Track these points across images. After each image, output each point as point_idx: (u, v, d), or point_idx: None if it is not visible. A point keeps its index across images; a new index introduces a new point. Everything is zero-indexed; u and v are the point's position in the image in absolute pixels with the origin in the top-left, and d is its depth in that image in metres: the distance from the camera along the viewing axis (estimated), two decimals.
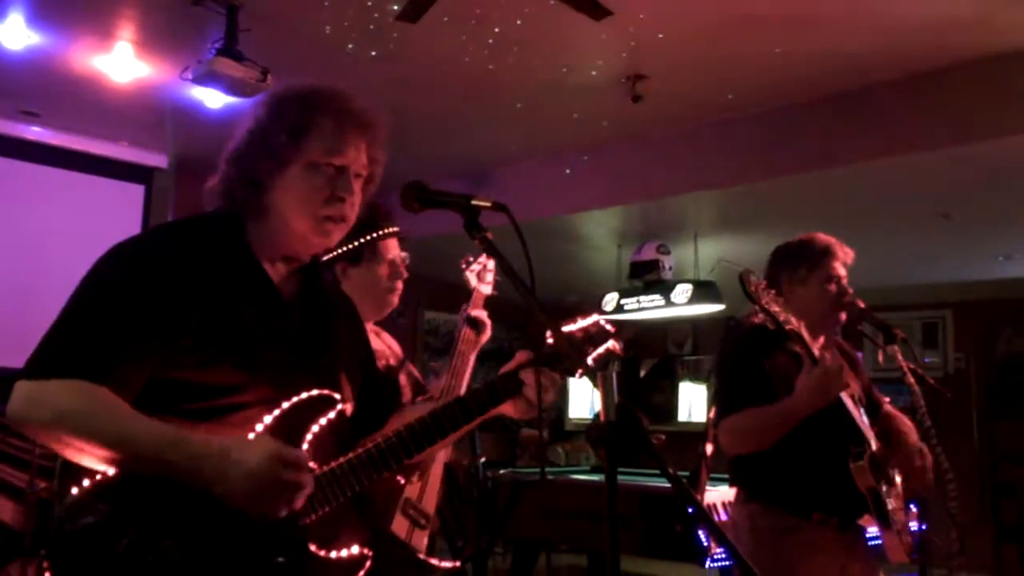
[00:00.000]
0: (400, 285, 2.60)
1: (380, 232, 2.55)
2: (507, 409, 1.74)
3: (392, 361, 2.61)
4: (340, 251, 2.50)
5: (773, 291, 2.56)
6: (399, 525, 2.39)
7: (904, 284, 7.89)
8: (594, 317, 1.78)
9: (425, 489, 2.50)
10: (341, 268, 2.55)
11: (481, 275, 2.82)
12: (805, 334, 2.56)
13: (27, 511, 5.25)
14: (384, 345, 2.66)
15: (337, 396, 1.64)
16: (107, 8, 4.47)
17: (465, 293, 2.81)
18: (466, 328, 2.73)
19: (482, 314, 2.76)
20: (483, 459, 3.31)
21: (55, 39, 4.75)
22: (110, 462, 1.44)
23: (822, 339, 2.80)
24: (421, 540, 2.44)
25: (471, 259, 2.83)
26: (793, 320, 2.55)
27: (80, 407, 1.43)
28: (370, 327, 2.65)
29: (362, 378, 1.83)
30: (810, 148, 5.35)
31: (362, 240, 2.53)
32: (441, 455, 2.52)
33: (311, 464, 1.55)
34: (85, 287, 1.54)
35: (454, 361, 2.69)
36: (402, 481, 2.42)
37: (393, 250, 2.60)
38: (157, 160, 6.75)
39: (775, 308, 2.52)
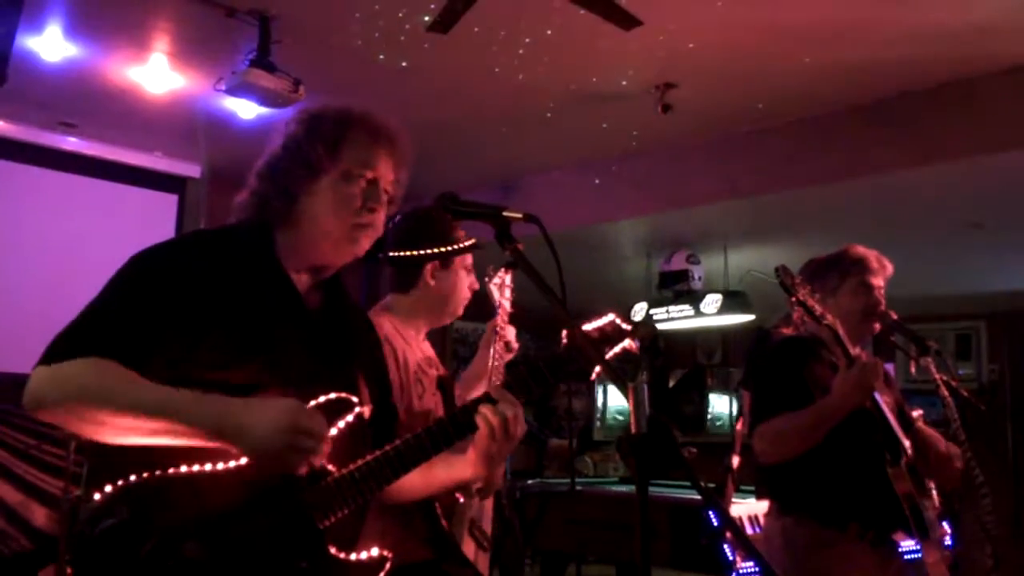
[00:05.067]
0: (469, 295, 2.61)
1: (470, 243, 2.54)
2: (466, 472, 1.76)
3: (442, 371, 2.60)
4: (435, 250, 2.48)
5: (810, 286, 2.55)
6: (467, 547, 2.38)
7: (937, 294, 7.79)
8: (609, 316, 1.76)
9: (483, 510, 2.48)
10: (430, 270, 2.50)
11: (500, 289, 2.81)
12: (841, 331, 2.55)
13: (61, 517, 5.32)
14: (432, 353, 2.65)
15: (355, 399, 1.65)
16: (142, 20, 4.53)
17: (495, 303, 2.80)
18: (499, 346, 2.71)
19: (510, 334, 2.74)
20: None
21: (91, 51, 4.82)
22: (133, 430, 1.45)
23: (856, 349, 2.77)
24: (484, 562, 2.42)
25: (491, 272, 2.81)
26: (829, 316, 2.53)
27: (97, 379, 1.46)
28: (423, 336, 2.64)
29: (377, 394, 1.84)
30: (841, 158, 5.30)
31: (460, 246, 2.51)
32: (501, 474, 2.49)
33: (330, 467, 1.57)
34: (111, 282, 1.58)
35: (491, 376, 2.67)
36: (461, 499, 2.39)
37: (468, 260, 2.60)
38: (190, 170, 6.82)
39: (811, 302, 2.50)
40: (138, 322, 1.51)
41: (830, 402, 2.57)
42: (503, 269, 2.79)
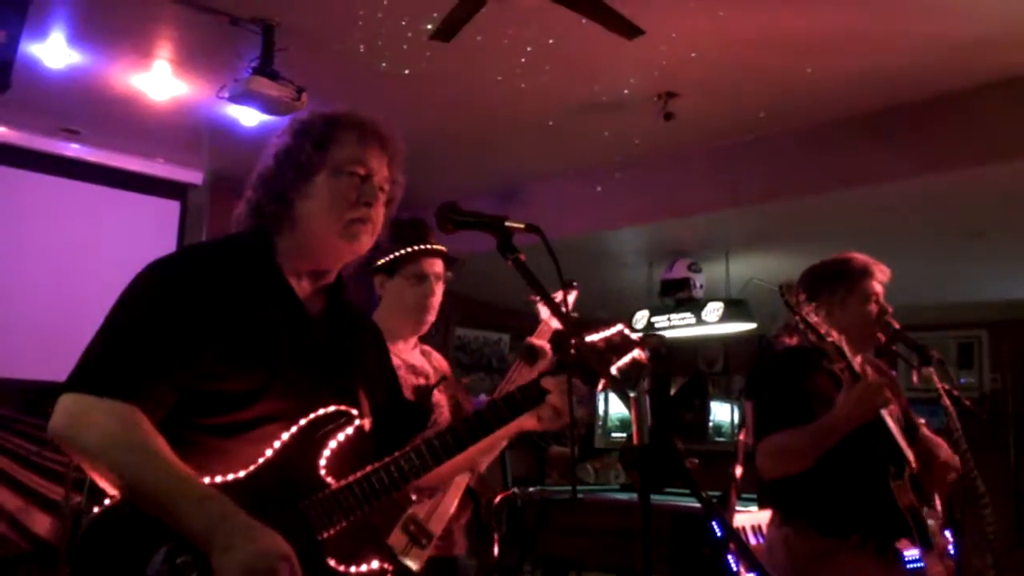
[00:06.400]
0: (431, 302, 2.60)
1: (417, 247, 2.56)
2: (530, 423, 1.72)
3: (432, 379, 2.60)
4: (379, 263, 2.54)
5: (813, 304, 2.54)
6: (396, 539, 2.37)
7: (939, 303, 7.79)
8: (618, 327, 1.74)
9: (435, 510, 2.48)
10: (379, 281, 2.58)
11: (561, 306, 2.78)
12: (846, 348, 2.54)
13: (63, 524, 5.31)
14: (426, 363, 2.65)
15: (354, 412, 1.65)
16: (146, 28, 4.54)
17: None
18: (519, 361, 2.71)
19: (539, 342, 2.72)
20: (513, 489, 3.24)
21: (95, 58, 4.84)
22: (132, 497, 1.45)
23: (859, 358, 2.77)
24: (419, 558, 2.41)
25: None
26: (834, 333, 2.52)
27: (120, 438, 1.45)
28: (419, 346, 2.66)
29: (385, 399, 1.84)
30: (842, 166, 5.31)
31: (399, 253, 2.55)
32: (459, 480, 2.49)
33: (328, 480, 1.57)
34: (124, 305, 1.57)
35: (502, 388, 2.66)
36: (413, 497, 2.40)
37: (432, 267, 2.60)
38: (192, 177, 6.84)
39: (815, 319, 2.49)
40: (159, 360, 1.51)
41: (833, 419, 2.55)
42: (561, 291, 2.78)
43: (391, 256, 2.55)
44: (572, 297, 2.72)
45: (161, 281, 1.60)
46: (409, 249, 2.56)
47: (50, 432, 1.48)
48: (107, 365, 1.50)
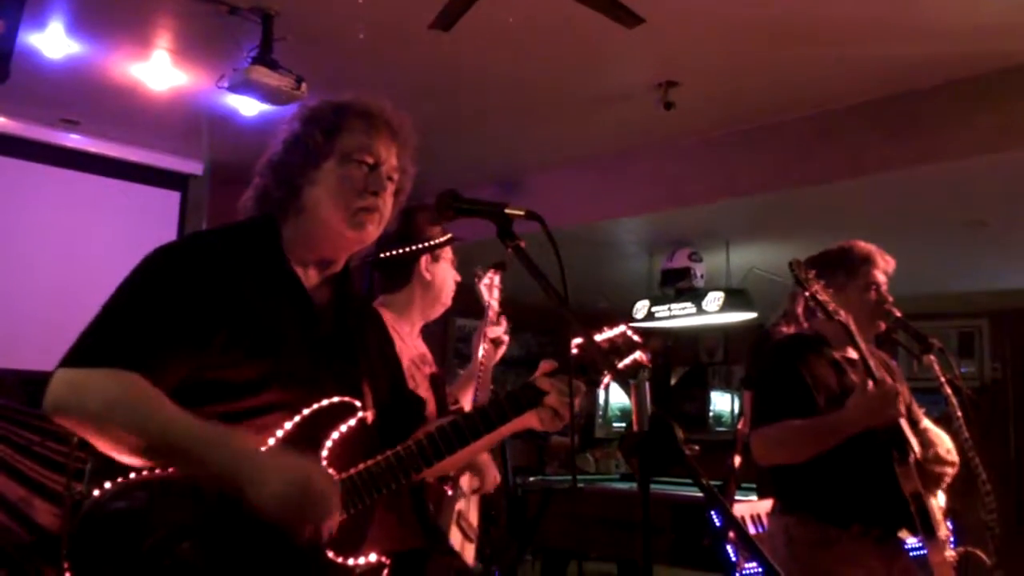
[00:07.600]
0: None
1: (451, 235, 2.59)
2: (531, 421, 1.72)
3: (434, 369, 2.61)
4: (429, 243, 2.54)
5: (823, 281, 2.53)
6: (454, 537, 2.41)
7: (940, 292, 7.78)
8: (621, 327, 1.75)
9: (471, 503, 2.51)
10: (426, 261, 2.56)
11: (489, 289, 2.83)
12: (853, 327, 2.53)
13: (63, 513, 5.32)
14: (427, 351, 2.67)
15: (358, 404, 1.64)
16: (145, 17, 4.53)
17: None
18: (487, 346, 2.74)
19: (498, 332, 2.78)
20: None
21: (94, 48, 4.82)
22: (149, 454, 1.44)
23: (872, 359, 2.75)
24: (470, 552, 2.45)
25: (480, 272, 2.84)
26: (842, 312, 2.51)
27: (124, 397, 1.44)
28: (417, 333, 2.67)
29: (388, 390, 1.84)
30: (844, 155, 5.30)
31: (448, 237, 2.57)
32: (493, 472, 2.53)
33: (330, 471, 1.57)
34: (125, 285, 1.57)
35: (480, 378, 2.70)
36: (449, 492, 2.42)
37: (450, 251, 2.64)
38: (193, 167, 6.83)
39: (824, 297, 2.48)
40: (159, 331, 1.50)
41: (841, 421, 2.54)
42: (491, 269, 2.84)
43: (442, 239, 2.56)
44: (498, 278, 2.79)
45: (163, 263, 1.60)
46: (447, 237, 2.58)
47: (47, 405, 1.46)
48: (103, 339, 1.50)
